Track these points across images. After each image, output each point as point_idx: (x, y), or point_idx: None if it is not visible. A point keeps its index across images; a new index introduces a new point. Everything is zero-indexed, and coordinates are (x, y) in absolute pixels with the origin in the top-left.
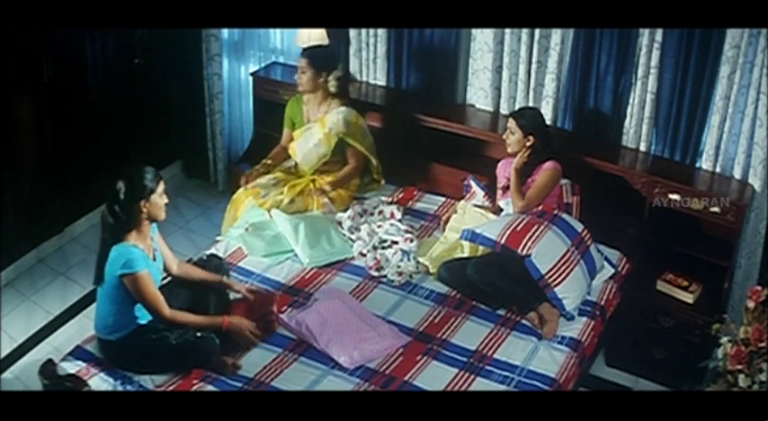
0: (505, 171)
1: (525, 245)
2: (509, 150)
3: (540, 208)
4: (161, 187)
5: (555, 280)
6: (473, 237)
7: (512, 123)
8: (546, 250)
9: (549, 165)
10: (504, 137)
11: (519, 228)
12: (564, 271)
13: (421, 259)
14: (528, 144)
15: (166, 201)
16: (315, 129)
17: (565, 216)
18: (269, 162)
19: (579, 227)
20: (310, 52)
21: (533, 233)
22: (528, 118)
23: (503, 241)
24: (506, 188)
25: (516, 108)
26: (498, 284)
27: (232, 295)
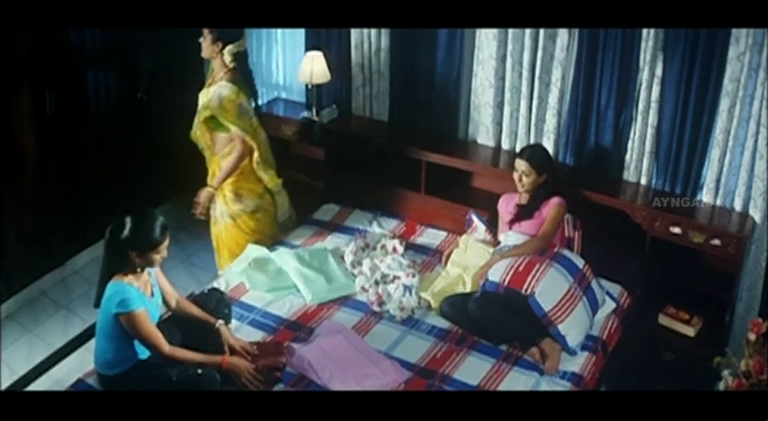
0: (507, 206)
1: (528, 284)
2: (521, 190)
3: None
4: (166, 242)
5: (558, 317)
6: (484, 286)
7: (524, 166)
8: (548, 288)
9: (556, 200)
10: (515, 178)
11: (521, 269)
12: (567, 308)
13: (423, 294)
14: (541, 181)
15: (166, 255)
16: (202, 95)
17: (566, 252)
18: None
19: (580, 262)
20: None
21: (535, 272)
22: (538, 157)
23: (506, 283)
24: (510, 222)
25: (519, 144)
26: (500, 320)
27: (238, 334)
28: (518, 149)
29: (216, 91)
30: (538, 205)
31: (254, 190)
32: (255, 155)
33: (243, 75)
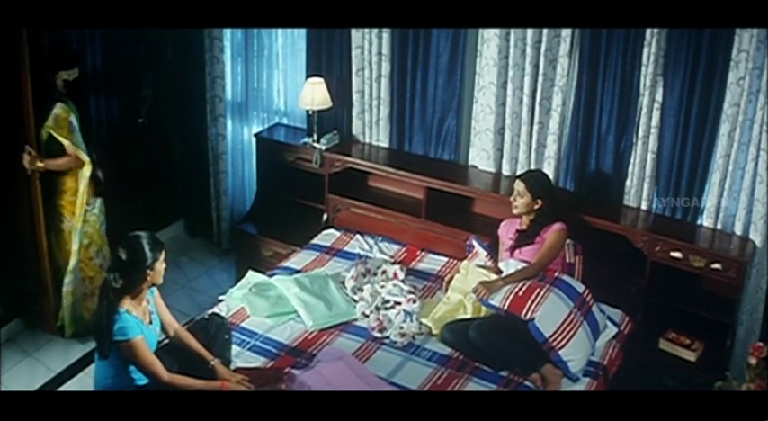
0: (508, 232)
1: (528, 309)
2: (515, 212)
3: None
4: (162, 255)
5: (559, 343)
6: (482, 301)
7: (520, 186)
8: (549, 313)
9: (557, 226)
10: (511, 198)
11: (521, 294)
12: (568, 333)
13: (423, 320)
14: (536, 207)
15: (165, 265)
16: None
17: (566, 277)
18: None
19: (581, 287)
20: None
21: (535, 297)
22: (536, 181)
23: (506, 307)
24: (511, 248)
25: (520, 169)
26: (501, 346)
27: (238, 362)
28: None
29: (52, 112)
30: (538, 231)
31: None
32: (84, 159)
33: (75, 96)
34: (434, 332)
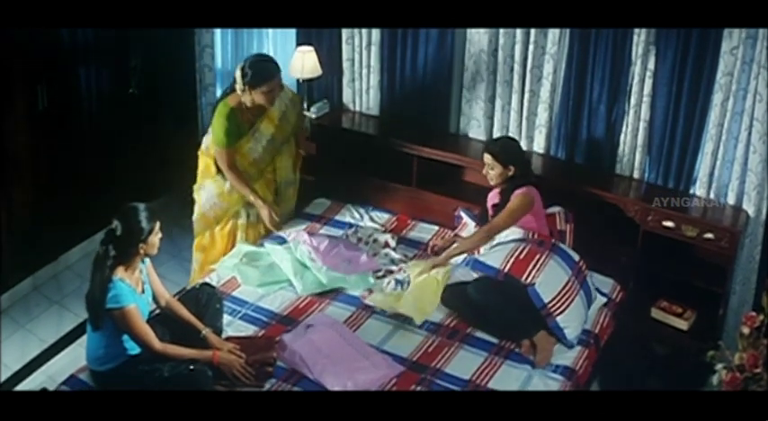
0: (491, 201)
1: (529, 273)
2: (492, 183)
3: (537, 236)
4: (157, 225)
5: (557, 309)
6: (475, 264)
7: (488, 158)
8: (549, 280)
9: (520, 190)
10: (483, 172)
11: (522, 257)
12: (566, 300)
13: (401, 310)
14: (510, 174)
15: (160, 235)
16: (263, 127)
17: (562, 245)
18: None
19: (576, 256)
20: None
21: (536, 262)
22: (502, 149)
23: (506, 269)
24: (496, 205)
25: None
26: (498, 307)
27: (229, 331)
28: None
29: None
30: (508, 198)
31: None
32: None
33: None
34: (417, 321)
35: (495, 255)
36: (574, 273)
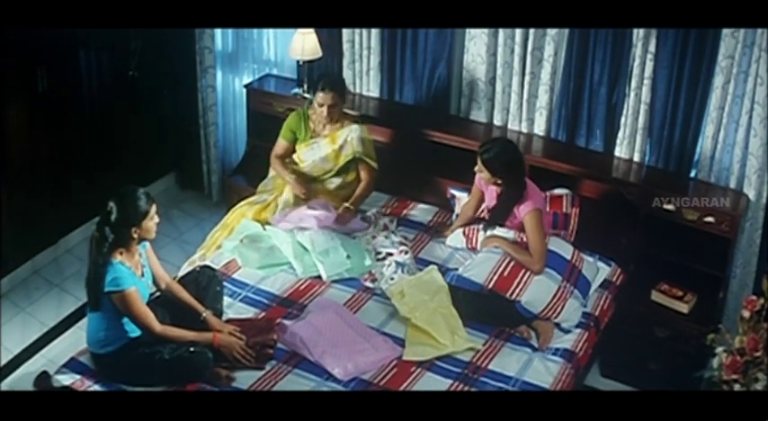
0: (486, 188)
1: (513, 291)
2: (483, 183)
3: (524, 238)
4: (153, 209)
5: (549, 315)
6: (459, 280)
7: (479, 162)
8: (536, 294)
9: (526, 208)
10: (475, 169)
11: (506, 274)
12: (557, 306)
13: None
14: (498, 183)
15: (157, 220)
16: (323, 144)
17: (554, 245)
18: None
19: (568, 253)
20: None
21: (520, 280)
22: (494, 157)
23: (490, 286)
24: (492, 209)
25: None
26: (489, 313)
27: (229, 313)
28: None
29: (351, 135)
30: (510, 208)
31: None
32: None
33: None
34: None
35: (479, 269)
36: (565, 277)
